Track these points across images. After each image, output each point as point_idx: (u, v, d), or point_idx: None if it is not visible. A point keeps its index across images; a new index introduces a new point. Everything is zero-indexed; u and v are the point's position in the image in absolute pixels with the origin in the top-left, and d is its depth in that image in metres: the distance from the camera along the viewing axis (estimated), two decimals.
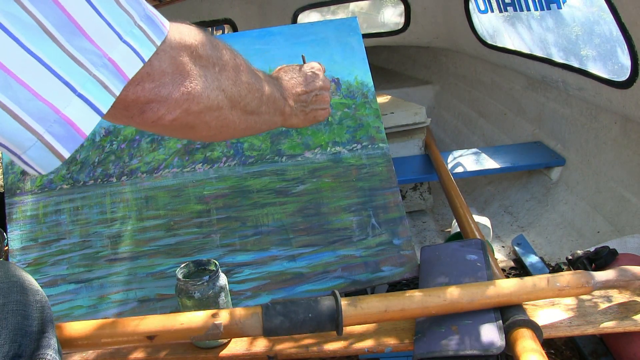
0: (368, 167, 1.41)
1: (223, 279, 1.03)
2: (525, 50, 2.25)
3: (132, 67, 0.44)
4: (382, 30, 3.25)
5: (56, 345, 0.67)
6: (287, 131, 1.41)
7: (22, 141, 0.38)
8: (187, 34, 0.53)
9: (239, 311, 0.92)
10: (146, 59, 0.45)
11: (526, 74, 2.35)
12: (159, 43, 0.47)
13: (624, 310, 1.03)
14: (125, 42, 0.43)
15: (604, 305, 1.05)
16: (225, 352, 1.01)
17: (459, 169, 2.10)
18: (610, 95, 1.72)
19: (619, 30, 1.54)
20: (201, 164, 1.37)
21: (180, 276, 1.02)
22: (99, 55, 0.41)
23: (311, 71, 0.88)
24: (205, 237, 1.31)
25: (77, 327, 0.90)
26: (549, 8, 1.95)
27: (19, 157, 0.39)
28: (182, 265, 1.05)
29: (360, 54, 1.49)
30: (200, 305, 0.99)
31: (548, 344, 1.28)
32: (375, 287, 1.39)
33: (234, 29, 2.93)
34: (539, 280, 0.98)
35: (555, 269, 1.63)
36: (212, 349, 1.02)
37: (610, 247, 1.27)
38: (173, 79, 0.50)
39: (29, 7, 0.36)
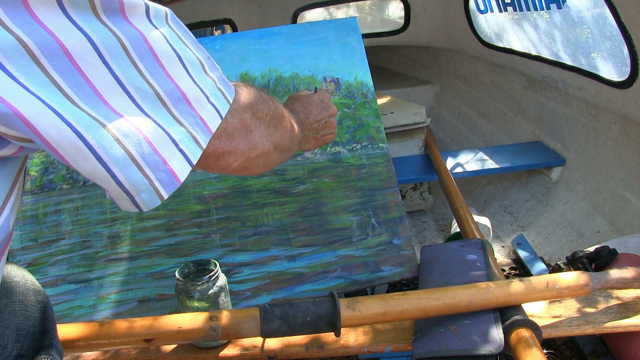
0: (368, 167, 1.41)
1: (223, 279, 1.04)
2: (525, 50, 2.25)
3: (214, 124, 0.53)
4: (382, 30, 3.25)
5: (59, 345, 0.68)
6: None
7: (139, 185, 0.47)
8: (247, 93, 0.63)
9: (237, 314, 0.92)
10: (223, 116, 0.55)
11: (526, 74, 2.35)
12: (231, 102, 0.57)
13: (624, 310, 1.03)
14: (211, 103, 0.53)
15: (604, 305, 1.05)
16: (225, 352, 1.02)
17: (459, 169, 2.10)
18: (610, 95, 1.72)
19: (618, 30, 1.54)
20: None
21: (180, 276, 1.02)
22: (194, 115, 0.51)
23: (322, 101, 0.96)
24: (205, 237, 1.31)
25: (73, 329, 0.89)
26: (548, 8, 1.96)
27: (132, 198, 0.48)
28: (182, 265, 1.05)
29: (360, 54, 1.49)
30: (200, 305, 1.00)
31: (548, 344, 1.28)
32: (375, 287, 1.39)
33: (234, 29, 2.92)
34: (539, 281, 0.98)
35: (555, 268, 1.63)
36: (211, 349, 1.02)
37: (610, 247, 1.27)
38: (240, 133, 0.60)
39: (150, 80, 0.47)
